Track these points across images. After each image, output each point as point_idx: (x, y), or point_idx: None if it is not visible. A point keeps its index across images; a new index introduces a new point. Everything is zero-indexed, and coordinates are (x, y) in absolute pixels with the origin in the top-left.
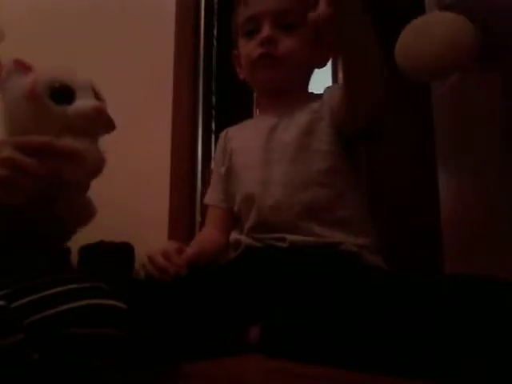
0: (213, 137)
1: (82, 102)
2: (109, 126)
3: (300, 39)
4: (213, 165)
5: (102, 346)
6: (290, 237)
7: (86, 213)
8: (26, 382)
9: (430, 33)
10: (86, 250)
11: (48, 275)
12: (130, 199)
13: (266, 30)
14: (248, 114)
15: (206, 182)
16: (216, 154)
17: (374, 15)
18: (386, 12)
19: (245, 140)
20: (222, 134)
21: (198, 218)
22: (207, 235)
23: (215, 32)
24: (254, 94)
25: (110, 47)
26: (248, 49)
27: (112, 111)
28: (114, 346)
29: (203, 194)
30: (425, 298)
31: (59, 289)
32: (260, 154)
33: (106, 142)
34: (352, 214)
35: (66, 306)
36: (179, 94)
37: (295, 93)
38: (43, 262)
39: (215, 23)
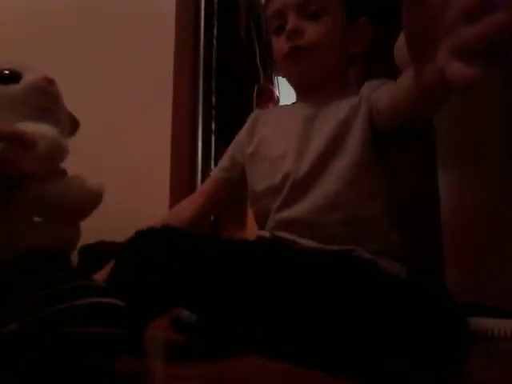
0: (213, 137)
1: (30, 76)
2: (55, 98)
3: (328, 25)
4: (213, 165)
5: (102, 345)
6: (301, 240)
7: (73, 199)
8: (25, 382)
9: None
10: (86, 250)
11: (47, 273)
12: (130, 199)
13: (291, 23)
14: (248, 114)
15: None
16: (240, 133)
17: (375, 17)
18: (386, 12)
19: (279, 127)
20: (253, 116)
21: None
22: (172, 214)
23: (215, 32)
24: (254, 94)
25: (110, 47)
26: (278, 45)
27: (112, 111)
28: (114, 345)
29: None
30: (427, 308)
31: (58, 287)
32: (294, 143)
33: (106, 142)
34: (374, 217)
35: (65, 305)
36: (179, 94)
37: (332, 81)
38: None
39: (215, 23)
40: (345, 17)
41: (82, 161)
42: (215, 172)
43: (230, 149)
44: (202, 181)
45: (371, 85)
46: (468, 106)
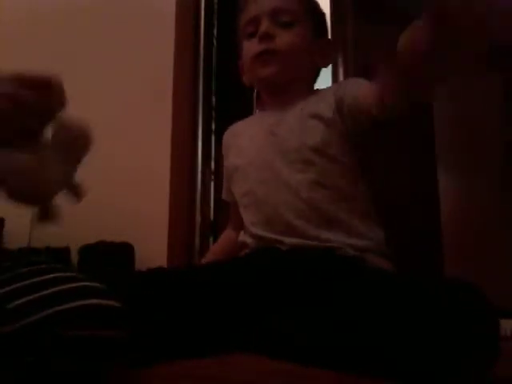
0: (213, 137)
1: None
2: None
3: (298, 34)
4: (213, 165)
5: (99, 347)
6: (288, 240)
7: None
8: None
9: None
10: (86, 250)
11: (45, 274)
12: (130, 199)
13: (263, 26)
14: (248, 114)
15: (205, 182)
16: (222, 150)
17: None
18: (388, 12)
19: (247, 137)
20: (227, 131)
21: (198, 218)
22: (223, 241)
23: (215, 32)
24: (254, 94)
25: (110, 47)
26: (249, 48)
27: (112, 111)
28: (112, 347)
29: (203, 193)
30: (422, 302)
31: (56, 288)
32: (261, 152)
33: (106, 142)
34: (355, 215)
35: (62, 307)
36: (179, 94)
37: (297, 90)
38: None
39: (215, 23)
40: (313, 31)
41: (82, 161)
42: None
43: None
44: (202, 181)
45: (351, 82)
46: (468, 107)
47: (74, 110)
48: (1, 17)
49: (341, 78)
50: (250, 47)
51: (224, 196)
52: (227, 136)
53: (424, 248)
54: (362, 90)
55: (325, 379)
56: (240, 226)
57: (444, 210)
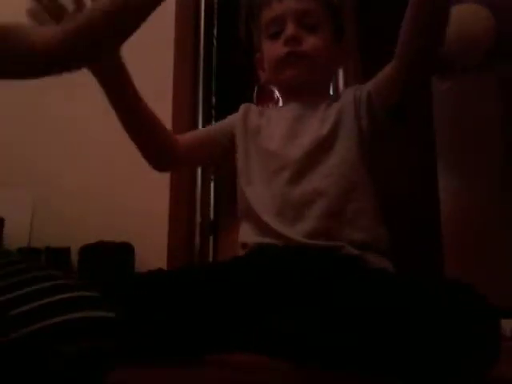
0: None
1: None
2: None
3: (323, 38)
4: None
5: (93, 358)
6: (294, 236)
7: None
8: None
9: (478, 12)
10: (86, 250)
11: (35, 283)
12: (130, 199)
13: (290, 29)
14: None
15: (205, 182)
16: (232, 118)
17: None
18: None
19: (270, 125)
20: (249, 107)
21: (198, 218)
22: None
23: (215, 32)
24: (254, 94)
25: None
26: (274, 49)
27: (112, 111)
28: (102, 358)
29: (203, 193)
30: (422, 302)
31: (45, 300)
32: (281, 142)
33: (106, 142)
34: (361, 210)
35: (58, 319)
36: (179, 94)
37: (318, 91)
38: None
39: (215, 23)
40: (335, 35)
41: (83, 161)
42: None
43: (223, 122)
44: (202, 181)
45: (356, 86)
46: (468, 107)
47: (74, 110)
48: (0, 17)
49: (340, 78)
50: (275, 48)
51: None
52: (248, 111)
53: (424, 248)
54: (379, 74)
55: (325, 379)
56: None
57: (444, 209)
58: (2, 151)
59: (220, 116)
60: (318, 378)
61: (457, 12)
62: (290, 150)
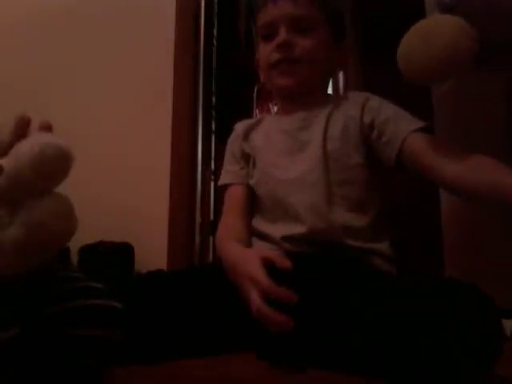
0: (213, 137)
1: None
2: None
3: (316, 40)
4: (213, 165)
5: (97, 346)
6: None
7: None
8: (24, 382)
9: (432, 36)
10: (86, 250)
11: (45, 275)
12: (130, 199)
13: (282, 35)
14: (248, 114)
15: (205, 182)
16: (233, 140)
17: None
18: (387, 16)
19: (267, 138)
20: (239, 125)
21: (198, 218)
22: (234, 230)
23: (215, 32)
24: (254, 94)
25: (110, 47)
26: (266, 52)
27: (112, 112)
28: (109, 346)
29: (203, 193)
30: (423, 302)
31: (55, 289)
32: (286, 153)
33: (106, 142)
34: (367, 218)
35: (61, 307)
36: (179, 94)
37: (314, 95)
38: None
39: (215, 23)
40: (332, 35)
41: (83, 161)
42: (231, 177)
43: (228, 153)
44: (202, 181)
45: (377, 104)
46: (468, 107)
47: (75, 111)
48: (0, 17)
49: (340, 77)
50: (267, 51)
51: (226, 178)
52: (244, 129)
53: (424, 248)
54: (416, 138)
55: (325, 379)
56: (249, 211)
57: (444, 209)
58: None
59: (220, 116)
60: (318, 379)
61: (444, 26)
62: (290, 167)
